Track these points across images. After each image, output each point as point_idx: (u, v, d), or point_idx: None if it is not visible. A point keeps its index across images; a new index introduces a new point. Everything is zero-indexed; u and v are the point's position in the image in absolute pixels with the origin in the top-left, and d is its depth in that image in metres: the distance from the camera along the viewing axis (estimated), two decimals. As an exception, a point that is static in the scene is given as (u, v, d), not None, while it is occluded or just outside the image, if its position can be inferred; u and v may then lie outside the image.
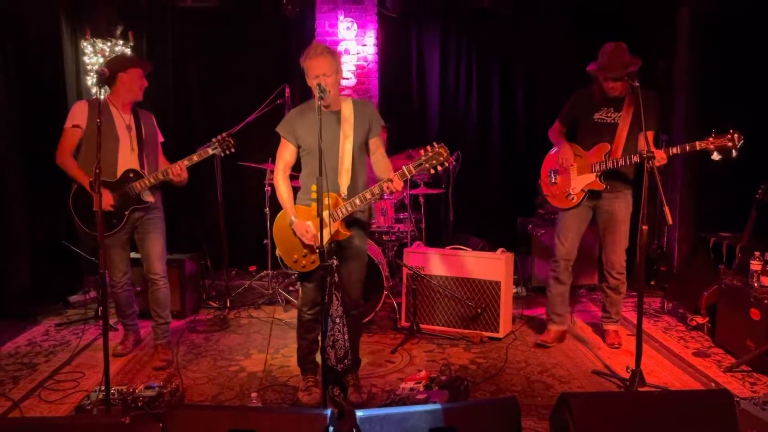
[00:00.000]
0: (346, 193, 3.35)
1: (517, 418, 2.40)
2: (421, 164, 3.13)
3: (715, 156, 3.78)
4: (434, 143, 3.14)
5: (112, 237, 4.01)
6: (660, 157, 3.72)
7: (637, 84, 3.69)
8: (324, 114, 3.11)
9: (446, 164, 3.24)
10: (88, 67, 5.83)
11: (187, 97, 6.56)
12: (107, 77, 3.84)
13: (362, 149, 3.45)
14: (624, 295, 4.38)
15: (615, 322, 4.44)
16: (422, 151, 3.16)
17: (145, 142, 4.13)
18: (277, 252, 3.51)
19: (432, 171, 3.15)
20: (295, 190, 3.52)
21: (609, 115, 4.15)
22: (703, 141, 3.77)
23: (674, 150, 3.82)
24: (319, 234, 3.09)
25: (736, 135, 3.71)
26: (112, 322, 4.71)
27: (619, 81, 3.99)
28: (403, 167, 3.18)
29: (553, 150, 4.40)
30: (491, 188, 6.81)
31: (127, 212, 4.02)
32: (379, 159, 3.45)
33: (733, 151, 3.74)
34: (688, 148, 3.80)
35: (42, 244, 5.56)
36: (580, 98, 4.31)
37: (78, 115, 3.99)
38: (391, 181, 3.16)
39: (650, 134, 3.95)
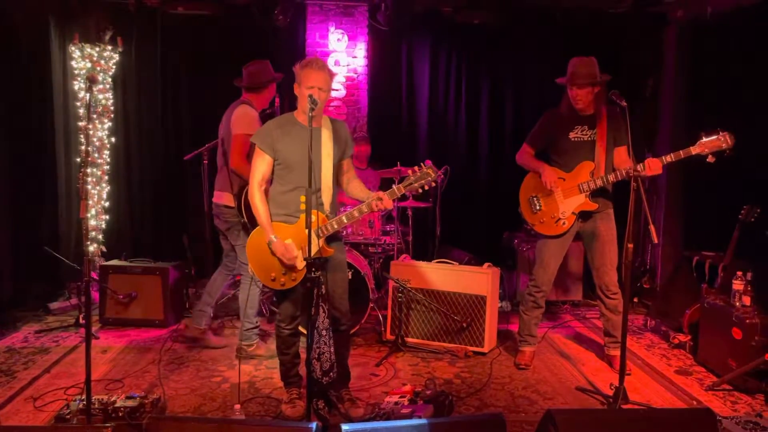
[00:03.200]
0: (329, 210, 3.38)
1: (503, 435, 2.41)
2: (410, 184, 3.28)
3: (710, 159, 3.76)
4: (422, 164, 3.28)
5: None
6: (655, 167, 3.73)
7: (608, 92, 3.65)
8: (308, 129, 3.10)
9: (434, 183, 3.36)
10: (75, 72, 5.78)
11: (175, 104, 6.52)
12: (257, 84, 4.28)
13: (336, 168, 3.47)
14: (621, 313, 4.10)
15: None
16: (410, 171, 3.30)
17: None
18: (250, 269, 3.46)
19: (420, 190, 3.30)
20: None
21: (584, 132, 4.09)
22: (696, 146, 3.76)
23: (668, 158, 3.79)
24: (299, 255, 3.25)
25: (726, 135, 3.72)
26: (92, 330, 4.65)
27: (582, 89, 3.98)
28: (393, 187, 3.30)
29: (529, 176, 4.27)
30: (478, 202, 6.83)
31: None
32: (353, 180, 3.55)
33: (727, 150, 3.72)
34: (682, 154, 3.77)
35: (23, 250, 5.49)
36: (551, 118, 4.21)
37: (256, 124, 4.08)
38: (381, 199, 3.25)
39: (624, 148, 4.02)
